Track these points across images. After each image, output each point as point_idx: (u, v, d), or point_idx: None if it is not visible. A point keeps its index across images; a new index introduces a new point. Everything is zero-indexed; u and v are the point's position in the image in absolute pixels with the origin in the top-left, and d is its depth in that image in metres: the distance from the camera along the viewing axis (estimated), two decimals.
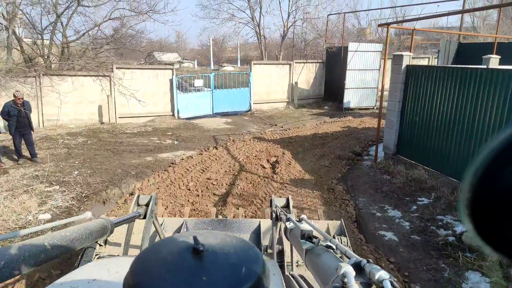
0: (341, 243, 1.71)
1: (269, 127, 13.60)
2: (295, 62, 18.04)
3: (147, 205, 2.23)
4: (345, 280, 0.79)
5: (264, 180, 7.27)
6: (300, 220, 1.39)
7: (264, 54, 19.88)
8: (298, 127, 12.94)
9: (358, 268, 0.84)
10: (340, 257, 1.02)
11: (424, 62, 20.92)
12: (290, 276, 1.64)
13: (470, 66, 7.32)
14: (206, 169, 8.06)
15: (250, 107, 16.77)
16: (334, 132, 11.65)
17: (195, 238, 0.66)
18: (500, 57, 9.63)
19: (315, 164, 8.46)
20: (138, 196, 2.31)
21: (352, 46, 15.89)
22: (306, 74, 18.57)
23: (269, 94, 17.72)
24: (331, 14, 20.53)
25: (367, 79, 16.34)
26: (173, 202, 6.19)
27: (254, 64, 16.97)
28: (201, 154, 9.32)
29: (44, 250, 0.95)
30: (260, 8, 20.22)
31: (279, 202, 2.35)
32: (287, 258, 2.23)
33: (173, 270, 0.62)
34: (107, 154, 9.43)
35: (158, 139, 11.36)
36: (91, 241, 1.21)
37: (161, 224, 2.78)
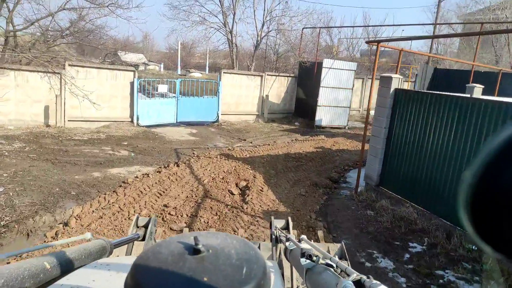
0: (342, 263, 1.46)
1: (238, 142, 12.56)
2: (267, 75, 17.22)
3: (145, 226, 2.21)
4: None
5: (233, 212, 6.18)
6: (300, 240, 1.39)
7: (235, 63, 18.92)
8: (269, 144, 12.02)
9: (359, 284, 0.81)
10: (340, 274, 0.97)
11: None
12: None
13: (464, 95, 6.73)
14: (164, 192, 6.84)
15: (218, 117, 15.67)
16: (308, 153, 10.81)
17: (195, 239, 0.67)
18: (483, 86, 9.27)
19: (289, 191, 7.51)
20: (138, 217, 2.27)
21: (326, 62, 15.32)
22: (277, 88, 17.80)
23: (238, 105, 16.73)
24: (306, 28, 20.02)
25: (340, 97, 15.81)
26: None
27: (224, 73, 15.94)
28: (160, 172, 8.08)
29: (43, 269, 0.93)
30: (234, 15, 19.32)
31: (279, 223, 2.33)
32: (287, 284, 2.21)
33: (173, 271, 0.62)
34: (45, 166, 7.92)
35: (111, 149, 9.95)
36: (90, 261, 1.17)
37: None
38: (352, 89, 15.94)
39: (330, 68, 15.31)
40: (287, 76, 18.09)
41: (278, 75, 17.72)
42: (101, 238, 1.34)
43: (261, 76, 16.98)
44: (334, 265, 1.03)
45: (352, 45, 29.50)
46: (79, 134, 11.41)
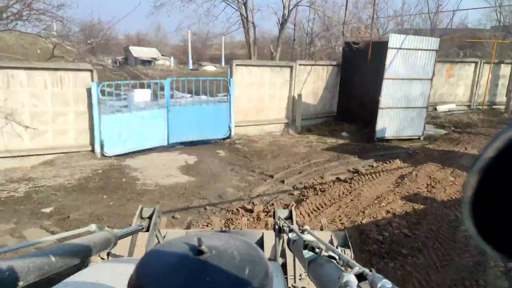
0: (345, 255, 1.33)
1: (260, 182, 7.51)
2: (299, 64, 11.96)
3: (150, 217, 2.22)
4: None
5: None
6: (303, 231, 1.38)
7: (252, 51, 13.73)
8: (315, 188, 6.90)
9: (361, 277, 0.81)
10: (343, 267, 0.99)
11: None
12: None
13: None
14: None
15: (230, 132, 10.64)
16: (400, 216, 5.59)
17: (199, 240, 0.67)
18: None
19: None
20: (142, 208, 2.31)
21: (395, 39, 9.88)
22: (313, 83, 12.53)
23: (258, 111, 11.61)
24: None
25: (413, 93, 10.38)
26: None
27: (237, 65, 10.81)
28: None
29: (48, 261, 0.93)
30: None
31: (282, 213, 2.25)
32: (289, 271, 2.14)
33: (177, 272, 0.63)
34: None
35: (8, 235, 5.12)
36: (95, 253, 1.20)
37: (164, 237, 2.59)
38: (431, 79, 10.46)
39: (400, 48, 9.89)
40: (327, 65, 12.76)
41: (315, 64, 12.41)
42: (105, 229, 1.35)
43: (291, 67, 11.74)
44: (337, 257, 1.02)
45: (403, 20, 23.51)
46: None
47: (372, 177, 7.46)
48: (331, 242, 2.61)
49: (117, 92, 9.17)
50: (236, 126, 10.90)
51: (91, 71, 8.35)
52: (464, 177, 7.21)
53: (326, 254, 1.09)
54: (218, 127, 10.50)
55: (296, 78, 11.81)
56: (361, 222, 5.42)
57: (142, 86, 9.90)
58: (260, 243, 2.68)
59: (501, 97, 15.78)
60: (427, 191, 6.69)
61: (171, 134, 9.78)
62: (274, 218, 2.27)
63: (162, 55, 43.89)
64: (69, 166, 7.90)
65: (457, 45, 25.10)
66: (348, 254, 2.48)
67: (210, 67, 29.90)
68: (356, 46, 11.15)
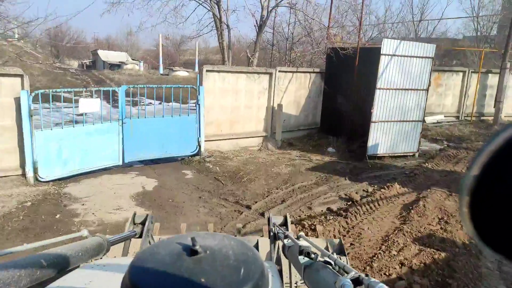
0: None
1: (234, 215, 6.02)
2: (279, 71, 10.59)
3: (142, 223, 2.20)
4: None
5: None
6: (298, 238, 1.37)
7: (226, 55, 12.24)
8: (304, 225, 5.46)
9: (357, 281, 0.81)
10: (338, 272, 0.97)
11: None
12: None
13: None
14: None
15: (199, 147, 9.09)
16: (415, 266, 4.24)
17: (193, 240, 0.67)
18: None
19: None
20: (135, 214, 2.28)
21: (388, 45, 8.67)
22: (295, 91, 11.21)
23: (233, 123, 10.14)
24: None
25: (408, 104, 9.20)
26: None
27: (207, 71, 9.30)
28: None
29: (40, 267, 0.91)
30: None
31: (277, 220, 2.25)
32: (285, 279, 2.03)
33: (170, 272, 0.62)
34: None
35: None
36: (87, 259, 1.19)
37: None
38: (427, 89, 9.31)
39: (394, 55, 8.69)
40: (310, 72, 11.46)
41: (297, 71, 11.08)
42: (97, 235, 1.34)
43: (270, 73, 10.36)
44: (333, 262, 1.02)
45: (385, 28, 22.66)
46: None
47: (371, 208, 6.10)
48: (326, 249, 2.60)
49: (65, 103, 7.44)
50: (206, 140, 9.37)
51: (21, 76, 6.63)
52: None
53: (321, 259, 1.07)
54: (185, 142, 8.93)
55: (276, 86, 10.44)
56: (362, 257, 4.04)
57: (87, 94, 8.21)
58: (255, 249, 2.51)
59: (489, 108, 15.02)
60: (441, 228, 5.38)
61: (127, 151, 8.13)
62: (268, 224, 2.27)
63: (133, 59, 41.81)
64: None
65: (439, 54, 24.67)
66: (344, 261, 2.30)
67: (182, 73, 28.18)
68: (344, 52, 9.88)
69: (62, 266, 1.00)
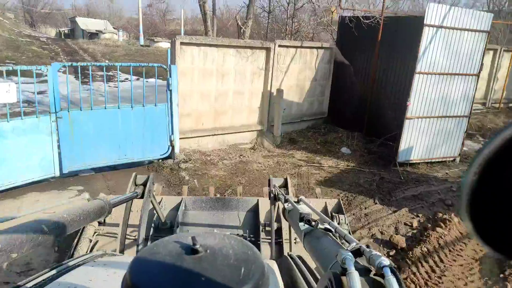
0: (339, 220, 1.68)
1: None
2: (279, 45, 8.08)
3: (144, 184, 2.12)
4: (345, 266, 0.75)
5: None
6: (298, 201, 1.35)
7: (210, 24, 9.58)
8: None
9: (358, 253, 0.80)
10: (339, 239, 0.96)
11: None
12: (288, 257, 1.61)
13: None
14: None
15: (172, 148, 6.71)
16: None
17: (193, 239, 0.65)
18: None
19: None
20: (135, 175, 2.18)
21: (434, 12, 6.21)
22: (298, 72, 8.75)
23: (218, 115, 7.71)
24: None
25: (453, 95, 6.87)
26: None
27: (182, 44, 6.74)
28: None
29: (41, 232, 0.92)
30: None
31: (277, 182, 2.20)
32: (285, 235, 2.19)
33: (171, 271, 0.61)
34: None
35: None
36: (89, 222, 1.17)
37: (159, 203, 2.60)
38: (479, 74, 6.98)
39: (441, 26, 6.27)
40: (317, 48, 8.97)
41: (301, 46, 8.58)
42: (99, 198, 1.31)
43: (267, 48, 7.85)
44: (333, 230, 0.99)
45: None
46: None
47: (432, 268, 3.88)
48: (325, 209, 2.68)
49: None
50: (182, 138, 6.98)
51: None
52: None
53: (322, 226, 1.04)
54: (152, 141, 6.52)
55: (275, 65, 7.97)
56: None
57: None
58: (255, 209, 2.71)
59: None
60: None
61: (67, 157, 5.70)
62: (269, 186, 2.21)
63: (114, 28, 38.24)
64: None
65: None
66: (342, 219, 2.48)
67: (165, 44, 25.17)
68: (367, 21, 7.41)
69: (64, 230, 1.01)
